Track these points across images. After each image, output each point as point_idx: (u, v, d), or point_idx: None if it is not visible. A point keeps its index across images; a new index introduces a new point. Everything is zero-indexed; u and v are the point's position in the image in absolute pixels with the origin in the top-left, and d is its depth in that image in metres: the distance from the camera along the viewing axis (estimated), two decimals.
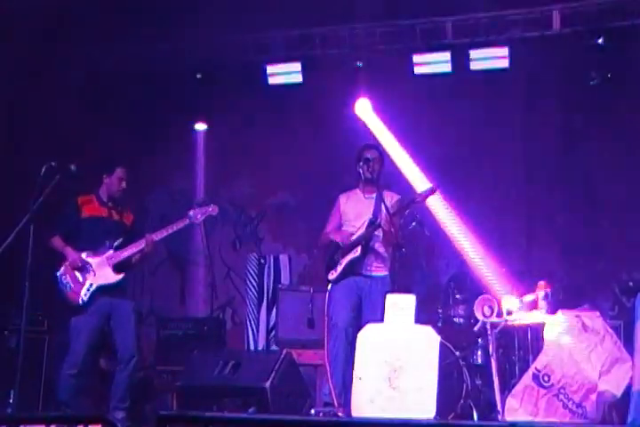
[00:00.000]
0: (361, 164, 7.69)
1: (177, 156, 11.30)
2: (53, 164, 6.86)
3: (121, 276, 7.59)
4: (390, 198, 7.75)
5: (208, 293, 10.49)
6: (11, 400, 7.02)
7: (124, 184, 7.78)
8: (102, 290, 7.51)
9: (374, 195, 7.71)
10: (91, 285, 7.49)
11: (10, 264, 6.85)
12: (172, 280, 11.34)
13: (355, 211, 7.78)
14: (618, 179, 9.96)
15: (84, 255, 7.55)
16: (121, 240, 7.64)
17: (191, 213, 7.72)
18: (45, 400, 8.36)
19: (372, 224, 7.60)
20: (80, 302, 7.46)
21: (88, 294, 7.46)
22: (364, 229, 7.62)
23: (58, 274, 7.53)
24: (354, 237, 7.58)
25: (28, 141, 9.84)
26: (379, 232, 7.57)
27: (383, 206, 7.50)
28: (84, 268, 7.53)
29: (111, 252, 7.59)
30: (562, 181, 10.31)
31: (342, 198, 7.91)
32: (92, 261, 7.55)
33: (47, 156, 7.11)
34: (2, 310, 8.79)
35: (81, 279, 7.52)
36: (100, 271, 7.53)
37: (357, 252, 7.57)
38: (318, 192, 10.00)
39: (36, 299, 7.06)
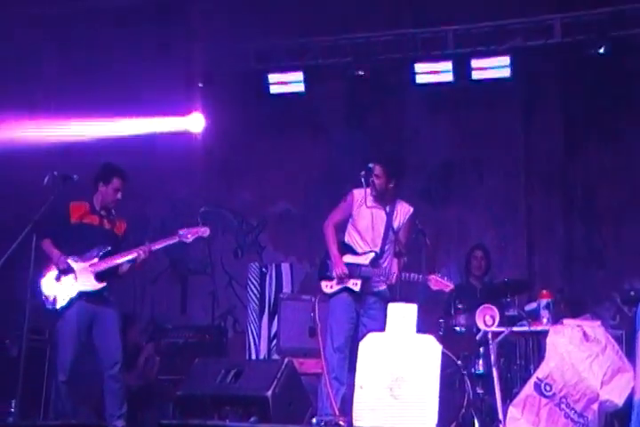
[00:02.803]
0: (363, 174, 7.60)
1: (178, 164, 11.30)
2: (56, 173, 6.86)
3: (102, 284, 7.44)
4: (402, 211, 7.69)
5: (209, 301, 10.50)
6: (12, 409, 7.00)
7: (119, 195, 7.66)
8: (83, 297, 7.39)
9: (387, 207, 7.63)
10: (71, 290, 7.38)
11: (12, 274, 6.85)
12: (173, 289, 11.33)
13: (365, 222, 7.66)
14: (618, 188, 9.98)
15: (69, 260, 7.43)
16: (109, 249, 7.51)
17: (181, 231, 7.63)
18: (47, 409, 8.35)
19: (377, 260, 7.58)
20: (57, 306, 7.34)
21: (67, 299, 7.35)
22: (368, 261, 7.58)
23: (41, 277, 7.39)
24: (351, 273, 7.52)
25: (27, 152, 9.84)
26: (381, 272, 7.54)
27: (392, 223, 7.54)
28: (66, 271, 7.40)
29: (96, 260, 7.46)
30: (562, 191, 10.32)
31: (357, 195, 7.66)
32: (76, 266, 7.42)
33: (47, 166, 7.10)
34: (3, 319, 8.78)
35: (62, 283, 7.40)
36: (82, 277, 7.40)
37: (357, 286, 7.53)
38: (319, 201, 10.01)
39: (38, 308, 7.06)
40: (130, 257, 7.50)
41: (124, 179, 7.71)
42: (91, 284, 7.43)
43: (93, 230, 7.61)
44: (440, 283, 7.31)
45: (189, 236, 7.63)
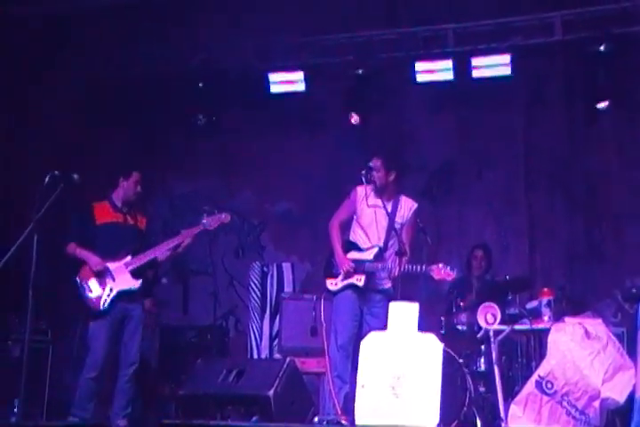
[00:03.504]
0: (366, 170, 7.64)
1: (178, 162, 11.31)
2: (57, 173, 6.87)
3: (140, 281, 7.64)
4: (406, 206, 7.73)
5: (211, 301, 10.49)
6: (15, 410, 7.01)
7: (139, 188, 7.83)
8: (121, 296, 7.56)
9: (390, 202, 7.67)
10: (111, 290, 7.55)
11: (14, 274, 6.86)
12: (174, 289, 11.33)
13: (369, 218, 7.70)
14: (619, 186, 9.97)
15: (104, 260, 7.60)
16: (138, 246, 7.70)
17: (205, 220, 7.78)
18: (49, 410, 8.36)
19: (381, 255, 7.61)
20: (101, 307, 7.51)
21: (108, 300, 7.52)
22: (372, 256, 7.62)
23: (77, 279, 7.56)
24: (352, 269, 7.57)
25: (28, 151, 9.86)
26: (384, 266, 7.58)
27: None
28: (103, 273, 7.57)
29: (129, 258, 7.64)
30: (563, 188, 10.31)
31: (360, 192, 7.73)
32: (112, 266, 7.59)
33: (49, 165, 7.10)
34: (5, 320, 8.79)
35: (101, 285, 7.56)
36: (120, 277, 7.58)
37: (361, 281, 7.57)
38: (321, 200, 9.99)
39: (40, 309, 7.07)
40: (172, 245, 7.69)
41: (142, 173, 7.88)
42: (130, 282, 7.61)
43: (120, 229, 7.78)
44: (442, 273, 7.32)
45: (213, 223, 7.79)
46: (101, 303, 7.51)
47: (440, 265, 7.33)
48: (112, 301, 7.53)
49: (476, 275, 9.30)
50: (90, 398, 7.44)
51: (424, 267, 7.33)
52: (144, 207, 8.18)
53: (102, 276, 7.58)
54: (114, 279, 7.57)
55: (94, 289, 7.55)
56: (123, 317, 7.60)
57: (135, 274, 7.64)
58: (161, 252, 7.72)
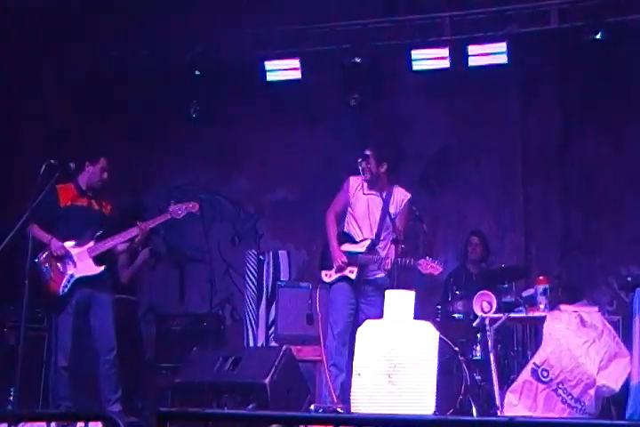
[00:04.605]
0: (360, 160, 7.65)
1: (175, 152, 11.29)
2: (53, 161, 6.85)
3: (102, 268, 7.49)
4: (399, 197, 7.74)
5: (207, 289, 10.50)
6: (11, 398, 7.01)
7: (105, 175, 7.64)
8: (82, 282, 7.42)
9: (384, 193, 7.67)
10: (71, 276, 7.41)
11: (10, 262, 6.85)
12: (170, 277, 11.33)
13: (362, 208, 7.73)
14: (615, 175, 9.98)
15: (66, 244, 7.44)
16: (102, 231, 7.53)
17: (171, 208, 7.64)
18: (45, 398, 8.35)
19: (373, 247, 7.62)
20: (60, 292, 7.38)
21: (68, 286, 7.39)
22: (364, 248, 7.62)
23: (36, 261, 7.32)
24: (346, 262, 7.58)
25: (25, 140, 9.85)
26: (376, 258, 7.58)
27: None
28: (65, 257, 7.42)
29: (92, 243, 7.47)
30: (560, 177, 10.32)
31: (353, 182, 7.77)
32: (74, 251, 7.44)
33: (45, 154, 7.09)
34: (1, 308, 8.79)
35: (62, 269, 7.42)
36: (81, 262, 7.43)
37: (353, 273, 7.59)
38: (317, 188, 9.99)
39: (36, 296, 7.06)
40: (128, 237, 7.52)
41: (109, 158, 7.70)
42: (92, 268, 7.46)
43: (84, 212, 7.61)
44: (430, 267, 7.32)
45: (179, 212, 7.63)
46: (61, 288, 7.38)
47: (428, 259, 7.34)
48: (72, 286, 7.38)
49: (473, 259, 9.32)
50: (68, 389, 7.38)
51: (412, 261, 7.34)
52: (110, 194, 7.97)
53: (63, 260, 7.41)
54: (75, 265, 7.42)
55: (54, 274, 7.40)
56: (88, 304, 7.45)
57: (98, 260, 7.48)
58: (119, 241, 7.55)
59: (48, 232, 7.48)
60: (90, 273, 7.45)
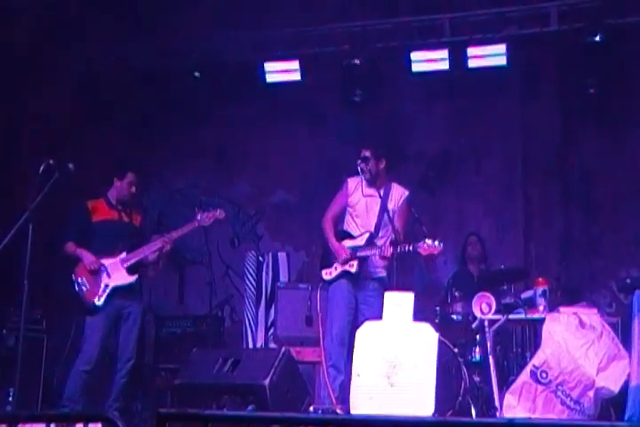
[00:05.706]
0: (359, 162, 7.70)
1: (175, 154, 11.30)
2: (52, 162, 6.87)
3: (135, 277, 7.77)
4: (397, 193, 7.77)
5: (207, 291, 10.50)
6: (10, 399, 7.02)
7: (133, 189, 7.95)
8: (117, 291, 7.68)
9: (381, 191, 7.71)
10: (106, 286, 7.66)
11: (9, 263, 6.85)
12: (170, 278, 11.33)
13: (361, 207, 7.78)
14: (615, 176, 9.98)
15: (99, 258, 7.71)
16: (133, 242, 7.81)
17: (199, 216, 7.84)
18: (45, 399, 8.36)
19: (372, 240, 7.63)
20: (97, 303, 7.62)
21: (104, 296, 7.63)
22: (363, 241, 7.64)
23: (73, 276, 7.67)
24: (350, 255, 7.61)
25: (25, 141, 9.84)
26: (375, 248, 7.59)
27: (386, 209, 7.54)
28: (99, 270, 7.68)
29: (124, 254, 7.75)
30: (560, 179, 10.32)
31: (351, 183, 7.86)
32: (107, 263, 7.70)
33: (45, 155, 7.10)
34: (0, 309, 8.79)
35: (96, 281, 7.67)
36: (115, 273, 7.70)
37: (354, 267, 7.61)
38: (317, 190, 10.01)
39: (35, 298, 7.07)
40: (154, 248, 7.78)
41: (138, 173, 7.99)
42: (125, 278, 7.73)
43: (115, 225, 7.90)
44: (428, 247, 7.32)
45: (207, 220, 7.86)
46: (96, 299, 7.62)
47: (426, 240, 7.34)
48: (107, 296, 7.64)
49: (472, 258, 9.31)
50: (81, 391, 7.53)
51: (411, 246, 7.34)
52: (140, 204, 8.25)
53: (97, 273, 7.68)
54: (109, 276, 7.69)
55: (90, 286, 7.65)
56: (119, 314, 7.71)
57: (131, 270, 7.74)
58: (149, 252, 7.81)
59: (82, 247, 7.77)
60: (124, 282, 7.71)
